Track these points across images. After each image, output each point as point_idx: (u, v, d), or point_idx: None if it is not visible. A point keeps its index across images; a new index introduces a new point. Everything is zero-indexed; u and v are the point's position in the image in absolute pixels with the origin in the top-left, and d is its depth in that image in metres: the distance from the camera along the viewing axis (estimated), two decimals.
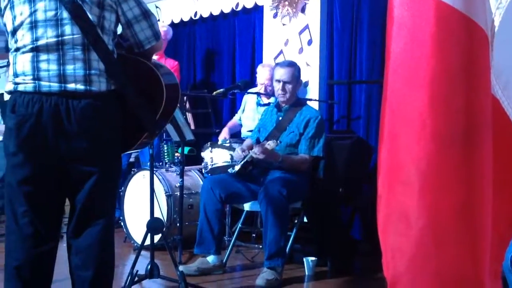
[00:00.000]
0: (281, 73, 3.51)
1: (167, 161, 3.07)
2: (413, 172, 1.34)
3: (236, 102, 5.02)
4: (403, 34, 1.38)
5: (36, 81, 1.93)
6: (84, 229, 2.05)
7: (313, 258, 3.38)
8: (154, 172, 3.21)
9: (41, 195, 1.99)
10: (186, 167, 3.93)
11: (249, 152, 3.42)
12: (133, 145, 2.24)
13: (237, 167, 3.45)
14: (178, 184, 3.76)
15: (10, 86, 1.98)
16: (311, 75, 4.39)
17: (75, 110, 1.95)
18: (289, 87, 3.52)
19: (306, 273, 3.37)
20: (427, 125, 1.33)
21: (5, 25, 2.01)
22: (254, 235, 4.22)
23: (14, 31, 1.97)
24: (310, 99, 4.11)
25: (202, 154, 3.89)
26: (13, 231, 2.01)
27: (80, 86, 1.95)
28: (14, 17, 1.96)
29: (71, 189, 2.04)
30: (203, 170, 4.01)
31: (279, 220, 3.16)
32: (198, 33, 5.58)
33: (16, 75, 1.97)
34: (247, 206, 3.57)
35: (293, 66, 3.57)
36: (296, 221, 3.53)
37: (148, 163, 2.97)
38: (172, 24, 5.37)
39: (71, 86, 1.94)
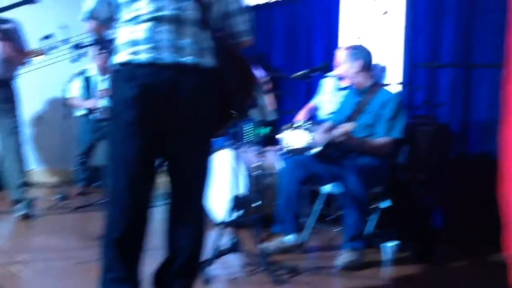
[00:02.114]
0: (339, 56, 3.52)
1: (248, 140, 3.12)
2: None
3: (313, 86, 5.01)
4: None
5: (153, 52, 1.97)
6: (185, 201, 2.13)
7: (393, 243, 3.36)
8: (233, 151, 3.28)
9: (146, 166, 2.05)
10: (263, 148, 3.98)
11: (328, 135, 3.43)
12: (221, 127, 2.31)
13: (316, 150, 3.47)
14: (257, 164, 3.82)
15: (124, 57, 2.00)
16: (392, 58, 4.31)
17: (188, 84, 2.01)
18: (346, 69, 3.50)
19: (386, 258, 3.36)
20: None
21: None
22: (329, 218, 4.24)
23: (133, 0, 2.01)
24: (388, 84, 4.05)
25: (280, 136, 3.92)
26: (115, 202, 2.06)
27: (194, 60, 2.02)
28: None
29: (171, 162, 2.12)
30: (280, 152, 4.05)
31: (359, 204, 3.16)
32: (275, 16, 5.59)
33: (131, 44, 1.99)
34: (326, 189, 3.59)
35: (350, 49, 3.55)
36: (376, 205, 3.50)
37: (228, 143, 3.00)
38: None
39: (186, 59, 2.00)
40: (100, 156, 5.76)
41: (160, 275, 2.20)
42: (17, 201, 4.04)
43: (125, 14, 2.03)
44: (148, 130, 2.01)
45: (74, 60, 5.05)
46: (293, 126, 3.86)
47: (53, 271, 2.80)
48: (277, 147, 4.14)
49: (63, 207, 4.65)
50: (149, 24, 1.99)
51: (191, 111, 2.04)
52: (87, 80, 5.56)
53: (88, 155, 5.64)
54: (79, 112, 5.66)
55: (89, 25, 2.16)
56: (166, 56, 1.98)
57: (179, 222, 2.15)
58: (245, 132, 3.14)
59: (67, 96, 5.57)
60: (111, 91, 2.09)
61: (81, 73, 5.58)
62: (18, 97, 4.09)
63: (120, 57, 2.02)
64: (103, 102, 5.32)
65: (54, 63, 5.70)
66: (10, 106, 3.98)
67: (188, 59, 2.01)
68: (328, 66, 4.03)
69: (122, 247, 2.04)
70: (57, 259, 3.03)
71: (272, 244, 3.38)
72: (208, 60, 2.07)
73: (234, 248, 3.01)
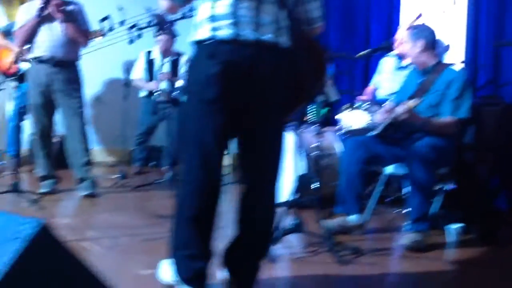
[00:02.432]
0: (401, 36, 3.43)
1: (312, 121, 3.10)
2: None
3: (371, 65, 4.92)
4: None
5: (234, 28, 1.96)
6: (259, 181, 2.14)
7: (458, 225, 3.29)
8: (292, 131, 3.27)
9: (221, 144, 2.06)
10: (322, 129, 3.95)
11: (390, 115, 3.37)
12: (293, 110, 2.30)
13: (378, 130, 3.42)
14: (315, 145, 3.79)
15: (206, 33, 1.99)
16: (455, 37, 4.18)
17: (268, 62, 2.00)
18: (409, 49, 3.42)
19: (450, 240, 3.30)
20: None
21: None
22: (388, 199, 4.19)
23: None
24: (452, 64, 3.94)
25: (339, 116, 3.89)
26: (190, 180, 2.06)
27: (273, 38, 2.01)
28: None
29: (247, 141, 2.11)
30: (339, 133, 4.02)
31: (423, 185, 3.11)
32: None
33: (213, 20, 1.98)
34: (388, 169, 3.54)
35: (412, 28, 3.46)
36: (441, 187, 3.43)
37: None
38: None
39: (266, 37, 1.99)
40: (159, 137, 5.86)
41: (230, 253, 2.21)
42: (81, 180, 4.16)
43: None
44: (227, 108, 2.00)
45: (131, 41, 5.12)
46: (353, 106, 3.82)
47: (120, 248, 2.87)
48: (336, 127, 4.11)
49: (123, 186, 4.76)
50: (231, 0, 1.98)
51: (269, 89, 2.03)
52: (150, 62, 5.64)
53: (148, 136, 5.75)
54: (142, 94, 5.76)
55: (165, 4, 2.17)
56: (247, 33, 1.97)
57: (252, 201, 2.15)
58: (308, 113, 3.12)
59: (130, 77, 5.68)
60: (191, 67, 2.08)
61: (145, 55, 5.67)
62: (82, 78, 4.19)
63: (201, 33, 2.01)
64: (164, 85, 5.40)
65: (112, 44, 5.82)
66: (74, 87, 4.08)
67: (268, 37, 2.00)
68: (391, 45, 3.95)
69: (197, 225, 2.05)
70: (123, 236, 3.11)
71: (334, 224, 3.37)
72: (285, 40, 2.06)
73: (296, 228, 3.01)
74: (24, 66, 5.02)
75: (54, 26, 3.98)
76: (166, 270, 2.25)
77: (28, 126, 4.67)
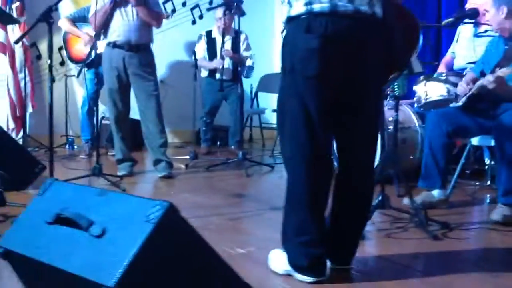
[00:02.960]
0: (481, 3, 3.26)
1: (397, 94, 3.02)
2: None
3: (443, 35, 4.76)
4: None
5: (332, 1, 1.91)
6: (360, 154, 2.09)
7: None
8: None
9: (326, 121, 1.99)
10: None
11: (472, 85, 3.25)
12: (384, 82, 2.24)
13: (463, 100, 3.30)
14: (392, 118, 3.70)
15: (300, 8, 1.95)
16: None
17: (366, 33, 1.95)
18: (492, 16, 3.26)
19: None
20: None
21: None
22: (468, 171, 4.08)
23: None
24: None
25: (415, 88, 3.77)
26: (298, 158, 2.00)
27: (369, 9, 1.95)
28: None
29: (345, 116, 2.05)
30: (415, 105, 3.91)
31: None
32: None
33: None
34: (474, 141, 3.42)
35: None
36: None
37: None
38: None
39: (362, 8, 1.94)
40: (224, 117, 5.89)
41: (328, 233, 2.16)
42: (157, 161, 4.23)
43: None
44: (329, 82, 1.96)
45: (194, 22, 5.14)
46: (428, 77, 3.70)
47: (210, 227, 2.89)
48: (414, 99, 3.99)
49: (195, 166, 4.82)
50: None
51: (368, 61, 1.98)
52: (211, 42, 5.65)
53: (213, 115, 5.79)
54: (203, 73, 5.79)
55: None
56: (343, 5, 1.92)
57: (352, 177, 2.12)
58: (395, 86, 3.03)
59: (193, 57, 5.71)
60: (287, 44, 2.02)
61: (206, 34, 5.68)
62: (154, 61, 4.23)
63: (296, 9, 1.97)
64: (226, 63, 5.41)
65: (175, 26, 5.87)
66: (148, 70, 4.13)
67: (364, 7, 1.95)
68: (477, 12, 3.77)
69: (311, 209, 1.99)
70: (209, 215, 3.13)
71: (418, 198, 3.30)
72: (379, 10, 1.99)
73: (381, 204, 2.96)
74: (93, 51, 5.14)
75: (127, 10, 4.02)
76: (279, 259, 2.14)
77: (100, 111, 4.77)
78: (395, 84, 3.09)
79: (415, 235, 2.75)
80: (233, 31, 5.62)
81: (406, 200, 3.22)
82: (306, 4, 1.94)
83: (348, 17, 1.92)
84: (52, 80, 2.92)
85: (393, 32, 2.07)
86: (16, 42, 3.43)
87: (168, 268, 1.34)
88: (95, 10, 3.96)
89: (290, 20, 2.01)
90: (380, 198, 2.95)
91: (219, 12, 5.45)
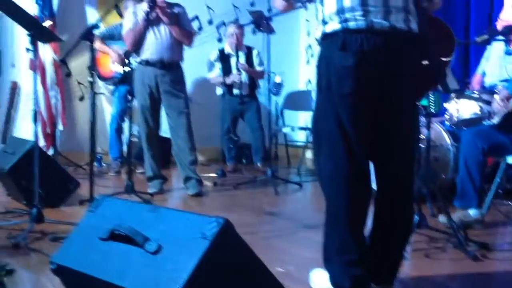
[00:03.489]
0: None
1: (433, 111, 2.99)
2: None
3: (472, 51, 4.73)
4: None
5: (365, 18, 1.90)
6: (399, 172, 2.06)
7: None
8: None
9: (363, 138, 1.97)
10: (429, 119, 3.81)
11: (507, 103, 3.22)
12: (421, 96, 2.22)
13: (498, 118, 3.27)
14: (424, 136, 3.67)
15: (335, 26, 1.94)
16: None
17: (403, 49, 1.94)
18: None
19: None
20: None
21: None
22: (500, 190, 4.01)
23: None
24: None
25: (446, 105, 3.74)
26: (336, 177, 1.98)
27: (405, 25, 1.94)
28: None
29: (381, 136, 2.03)
30: (446, 122, 3.87)
31: None
32: None
33: (341, 12, 1.93)
34: (510, 159, 3.37)
35: None
36: None
37: None
38: None
39: (398, 24, 1.92)
40: (245, 134, 5.89)
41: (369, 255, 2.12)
42: (188, 179, 4.24)
43: None
44: (364, 99, 1.94)
45: (220, 40, 5.18)
46: (460, 95, 3.66)
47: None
48: (444, 117, 3.96)
49: (223, 184, 4.82)
50: None
51: (404, 78, 1.96)
52: (225, 58, 5.68)
53: (232, 132, 5.77)
54: (219, 91, 5.82)
55: (279, 3, 2.14)
56: (380, 21, 1.91)
57: (392, 196, 2.08)
58: (431, 102, 3.02)
59: (209, 75, 5.75)
60: (322, 61, 2.01)
61: (218, 53, 5.72)
62: (185, 79, 4.27)
63: (330, 26, 1.96)
64: (244, 77, 5.45)
65: (201, 44, 5.91)
66: (179, 88, 4.16)
67: (399, 24, 1.93)
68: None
69: (352, 227, 1.96)
70: (242, 233, 3.09)
71: (454, 218, 3.25)
72: (415, 26, 1.98)
73: (418, 223, 2.92)
74: (121, 69, 5.21)
75: (160, 29, 4.08)
76: (321, 279, 2.12)
77: (127, 128, 4.81)
78: (430, 101, 3.07)
79: (454, 255, 2.71)
80: (247, 47, 5.68)
81: (442, 219, 3.18)
82: (341, 21, 1.93)
83: (383, 34, 1.91)
84: (81, 98, 2.94)
85: (429, 46, 2.05)
86: (61, 61, 3.44)
87: (223, 284, 1.33)
88: (129, 28, 4.01)
89: (324, 37, 2.00)
90: (416, 217, 2.92)
91: (231, 28, 5.52)
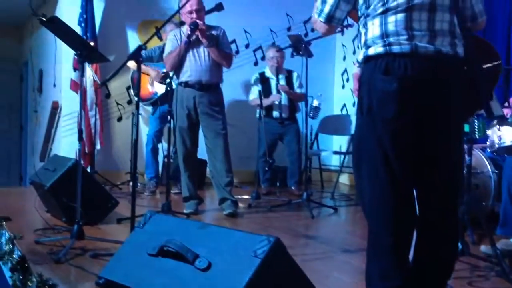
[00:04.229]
0: None
1: (477, 137, 2.94)
2: None
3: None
4: None
5: (409, 42, 1.88)
6: (442, 207, 2.02)
7: None
8: None
9: (407, 163, 1.94)
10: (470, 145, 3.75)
11: None
12: (466, 120, 2.19)
13: None
14: (466, 163, 3.61)
15: (378, 49, 1.92)
16: None
17: (448, 74, 1.92)
18: None
19: None
20: None
21: None
22: None
23: None
24: None
25: (488, 132, 3.67)
26: (381, 204, 1.96)
27: (450, 49, 1.92)
28: None
29: (427, 163, 1.99)
30: (488, 149, 3.80)
31: None
32: None
33: (385, 36, 1.91)
34: None
35: None
36: None
37: None
38: None
39: (443, 48, 1.90)
40: (281, 156, 5.88)
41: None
42: (223, 200, 4.24)
43: (375, 6, 1.95)
44: (407, 125, 1.92)
45: (256, 63, 5.23)
46: (502, 121, 3.60)
47: None
48: (486, 144, 3.89)
49: (257, 206, 4.81)
50: (402, 14, 1.91)
51: (450, 103, 1.93)
52: (265, 81, 5.71)
53: (270, 155, 5.76)
54: (259, 113, 5.83)
55: (322, 27, 2.15)
56: (423, 46, 1.89)
57: (438, 222, 2.03)
58: (476, 128, 2.97)
59: (250, 97, 5.78)
60: (365, 85, 1.99)
61: (258, 76, 5.75)
62: (223, 100, 4.30)
63: (373, 49, 1.95)
64: (281, 99, 5.47)
65: (239, 66, 5.99)
66: (217, 109, 4.19)
67: (445, 48, 1.92)
68: None
69: (396, 253, 1.93)
70: None
71: (498, 246, 3.17)
72: (461, 50, 1.96)
73: (461, 251, 2.85)
74: (160, 89, 5.29)
75: (200, 51, 4.14)
76: None
77: (164, 149, 4.86)
78: (474, 126, 3.02)
79: (498, 284, 2.64)
80: (285, 70, 5.70)
81: (484, 248, 3.10)
82: (385, 45, 1.91)
83: (429, 58, 1.89)
84: (119, 118, 2.99)
85: (475, 70, 2.03)
86: (103, 83, 3.51)
87: None
88: (170, 51, 4.08)
89: (367, 60, 1.99)
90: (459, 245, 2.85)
91: (271, 52, 5.55)
